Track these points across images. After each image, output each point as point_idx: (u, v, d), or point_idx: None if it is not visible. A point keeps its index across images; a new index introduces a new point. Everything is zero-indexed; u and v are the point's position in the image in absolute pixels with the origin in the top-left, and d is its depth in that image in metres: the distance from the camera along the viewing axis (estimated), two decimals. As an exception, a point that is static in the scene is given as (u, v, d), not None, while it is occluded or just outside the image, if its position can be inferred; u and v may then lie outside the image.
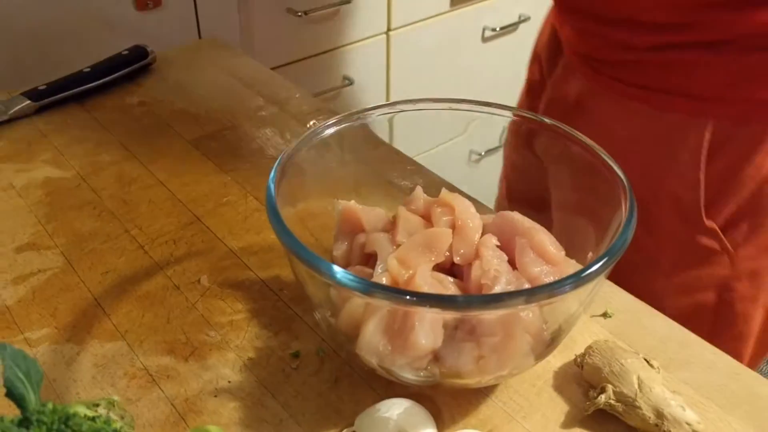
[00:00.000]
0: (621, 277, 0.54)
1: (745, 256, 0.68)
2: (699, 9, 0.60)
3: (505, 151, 0.73)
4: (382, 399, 0.44)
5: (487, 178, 0.90)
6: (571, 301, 0.43)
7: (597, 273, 0.39)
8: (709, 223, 0.67)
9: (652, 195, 0.67)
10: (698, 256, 0.68)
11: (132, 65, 0.83)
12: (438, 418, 0.45)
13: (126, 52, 0.84)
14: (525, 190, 0.57)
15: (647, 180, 0.67)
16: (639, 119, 0.67)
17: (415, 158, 0.67)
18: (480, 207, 0.56)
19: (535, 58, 0.84)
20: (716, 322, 0.71)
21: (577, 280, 0.38)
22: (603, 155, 0.47)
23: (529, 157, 0.55)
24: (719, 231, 0.67)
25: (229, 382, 0.48)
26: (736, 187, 0.65)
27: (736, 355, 0.74)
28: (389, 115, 0.55)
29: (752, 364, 0.78)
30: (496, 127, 0.55)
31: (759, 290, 0.70)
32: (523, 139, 0.55)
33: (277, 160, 0.48)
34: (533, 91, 0.83)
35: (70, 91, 0.79)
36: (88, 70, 0.81)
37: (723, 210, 0.66)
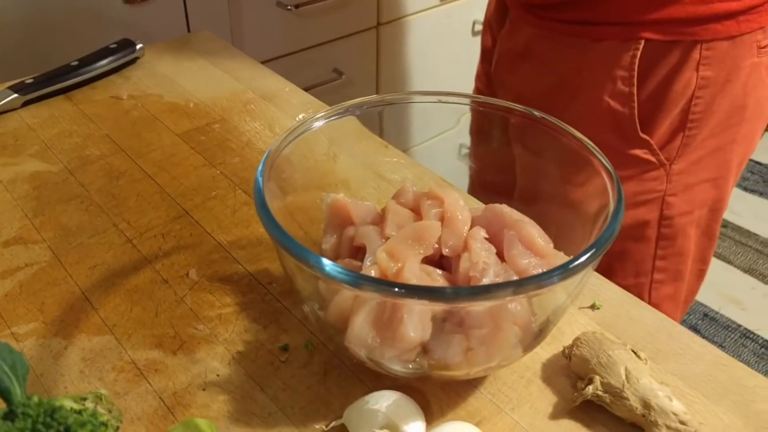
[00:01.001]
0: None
1: (679, 170, 0.76)
2: None
3: (477, 142, 0.76)
4: (371, 391, 0.44)
5: (476, 172, 0.90)
6: (559, 293, 0.43)
7: (584, 264, 0.39)
8: (643, 135, 0.74)
9: (593, 116, 0.75)
10: (636, 170, 0.76)
11: (120, 58, 0.83)
12: (427, 410, 0.45)
13: (114, 46, 0.83)
14: (497, 180, 0.58)
15: (588, 103, 0.75)
16: (579, 51, 0.75)
17: (404, 152, 0.67)
18: (468, 200, 0.56)
19: (486, 27, 0.92)
20: (660, 238, 0.80)
21: (564, 271, 0.38)
22: (590, 146, 0.47)
23: (505, 148, 0.55)
24: (653, 143, 0.75)
25: (218, 375, 0.48)
26: (668, 103, 0.73)
27: (679, 274, 0.83)
28: (379, 108, 0.54)
29: (689, 296, 0.87)
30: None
31: (693, 205, 0.79)
32: (503, 131, 0.55)
33: (266, 153, 0.48)
34: (487, 57, 0.92)
35: (58, 85, 0.78)
36: (76, 63, 0.80)
37: (657, 126, 0.74)
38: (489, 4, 0.92)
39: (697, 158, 0.76)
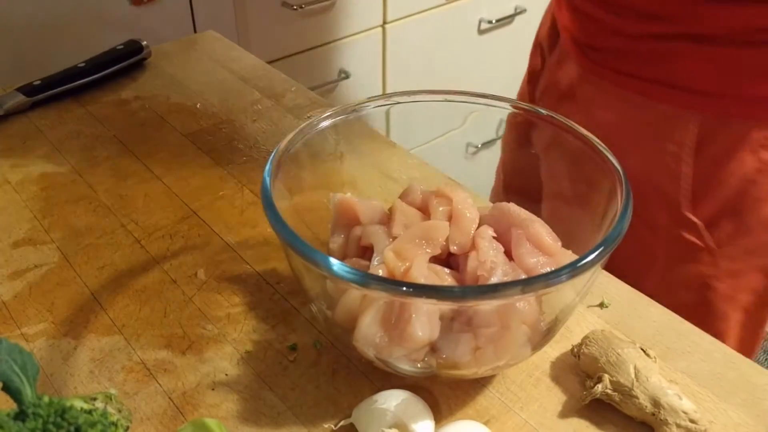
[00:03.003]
0: (616, 271, 0.55)
1: (728, 255, 0.68)
2: (689, 1, 0.60)
3: (503, 142, 0.74)
4: (380, 390, 0.44)
5: (483, 171, 0.90)
6: (567, 291, 0.43)
7: (593, 263, 0.39)
8: (690, 217, 0.67)
9: (637, 187, 0.67)
10: (684, 252, 0.68)
11: (127, 60, 0.83)
12: (435, 409, 0.45)
13: (121, 47, 0.84)
14: (521, 182, 0.57)
15: (633, 172, 0.66)
16: (627, 107, 0.67)
17: (411, 151, 0.67)
18: (476, 199, 0.56)
19: (537, 47, 0.84)
20: (699, 323, 0.70)
21: (573, 269, 0.38)
22: (598, 145, 0.47)
23: (525, 148, 0.55)
24: (701, 226, 0.67)
25: (227, 375, 0.48)
26: (721, 183, 0.65)
27: None
28: (385, 107, 0.54)
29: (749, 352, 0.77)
30: (492, 119, 0.55)
31: (738, 291, 0.70)
32: (519, 130, 0.55)
33: (273, 153, 0.48)
34: (533, 80, 0.84)
35: (65, 86, 0.79)
36: (83, 65, 0.80)
37: (708, 206, 0.66)
38: (543, 23, 0.84)
39: (750, 246, 0.68)
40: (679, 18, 0.61)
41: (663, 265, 0.70)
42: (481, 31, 1.53)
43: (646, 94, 0.66)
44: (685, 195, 0.66)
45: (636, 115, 0.67)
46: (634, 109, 0.67)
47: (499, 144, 0.75)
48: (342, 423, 0.44)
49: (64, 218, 0.62)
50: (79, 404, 0.33)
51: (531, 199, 0.51)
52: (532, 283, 0.38)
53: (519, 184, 0.58)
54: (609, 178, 0.46)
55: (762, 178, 0.65)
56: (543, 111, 0.51)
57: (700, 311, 0.71)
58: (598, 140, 0.48)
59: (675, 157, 0.65)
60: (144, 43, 0.85)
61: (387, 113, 0.55)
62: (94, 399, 0.38)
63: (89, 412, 0.33)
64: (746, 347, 0.76)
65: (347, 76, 1.32)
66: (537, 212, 0.48)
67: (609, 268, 0.52)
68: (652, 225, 0.68)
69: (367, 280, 0.39)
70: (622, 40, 0.66)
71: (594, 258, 0.39)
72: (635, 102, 0.67)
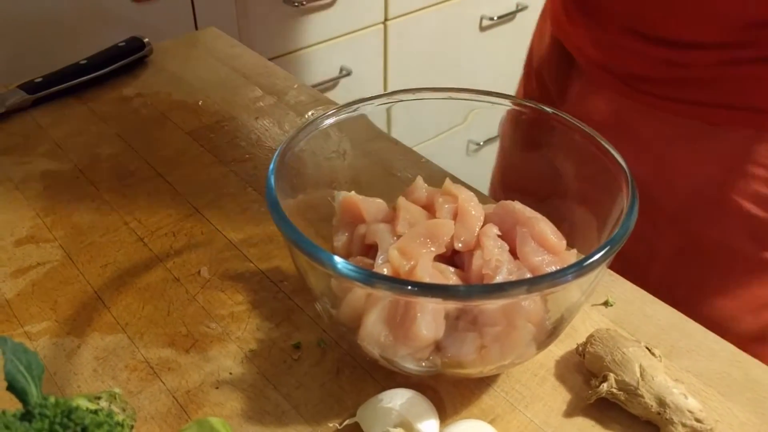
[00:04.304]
0: (684, 301, 0.54)
1: None
2: (751, 28, 0.57)
3: (502, 139, 0.73)
4: (384, 389, 0.44)
5: (486, 168, 0.89)
6: (573, 291, 0.42)
7: (599, 262, 0.39)
8: None
9: (713, 214, 0.63)
10: (766, 274, 0.66)
11: (129, 57, 0.83)
12: (440, 408, 0.45)
13: (122, 44, 0.83)
14: (521, 180, 0.57)
15: (707, 199, 0.64)
16: (694, 136, 0.63)
17: (413, 148, 0.67)
18: (480, 197, 0.56)
19: (532, 75, 0.78)
20: None
21: (579, 269, 0.38)
22: (604, 144, 0.47)
23: (526, 146, 0.55)
24: None
25: (231, 373, 0.48)
26: None
27: None
28: (387, 105, 0.54)
29: None
30: (494, 116, 0.55)
31: None
32: (521, 128, 0.55)
33: (276, 151, 0.47)
34: None
35: (67, 84, 0.78)
36: (85, 62, 0.80)
37: None
38: (535, 47, 0.78)
39: None
40: (743, 45, 0.58)
41: (738, 289, 0.67)
42: (482, 28, 1.53)
43: (718, 122, 0.61)
44: None
45: (705, 144, 0.63)
46: (702, 137, 0.63)
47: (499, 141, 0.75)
48: (347, 422, 0.44)
49: (66, 216, 0.62)
50: (84, 404, 0.33)
51: (530, 197, 0.51)
52: (537, 282, 0.38)
53: (518, 181, 0.58)
54: (615, 176, 0.45)
55: None
56: (548, 109, 0.51)
57: None
58: (603, 138, 0.48)
59: (763, 181, 0.61)
60: (146, 40, 0.85)
61: (389, 111, 0.55)
62: (99, 398, 0.38)
63: (95, 411, 0.33)
64: None
65: (349, 73, 1.32)
66: (536, 209, 0.48)
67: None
68: (723, 251, 0.65)
69: (371, 279, 0.39)
70: (679, 70, 0.61)
71: (600, 257, 0.39)
72: (703, 130, 0.62)
